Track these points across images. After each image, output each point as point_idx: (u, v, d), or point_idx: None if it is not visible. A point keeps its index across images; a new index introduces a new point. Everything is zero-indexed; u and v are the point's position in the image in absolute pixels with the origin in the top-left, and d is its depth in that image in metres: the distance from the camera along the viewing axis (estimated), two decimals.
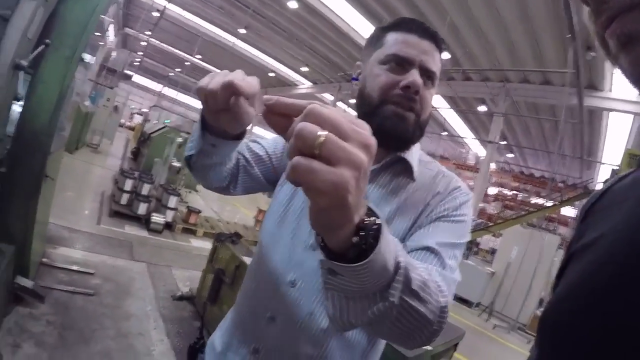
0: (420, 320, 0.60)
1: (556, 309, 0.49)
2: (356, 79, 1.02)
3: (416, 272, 0.58)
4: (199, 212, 6.93)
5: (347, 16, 14.39)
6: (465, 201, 0.94)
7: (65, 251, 4.10)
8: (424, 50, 0.93)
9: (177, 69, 31.76)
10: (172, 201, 6.37)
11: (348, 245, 0.47)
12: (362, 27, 14.96)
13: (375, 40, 0.98)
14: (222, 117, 0.73)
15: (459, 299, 10.09)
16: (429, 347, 2.35)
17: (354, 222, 0.45)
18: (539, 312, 9.71)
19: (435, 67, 0.94)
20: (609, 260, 0.44)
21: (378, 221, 0.48)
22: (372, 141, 0.43)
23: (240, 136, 0.88)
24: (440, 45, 0.96)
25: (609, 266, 0.43)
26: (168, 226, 6.28)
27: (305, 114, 0.41)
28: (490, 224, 12.77)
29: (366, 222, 0.47)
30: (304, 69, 22.36)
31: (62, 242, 4.30)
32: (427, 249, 0.82)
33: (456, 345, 3.31)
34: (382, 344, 0.99)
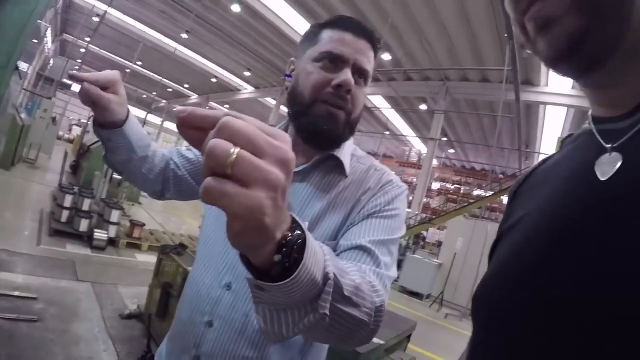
0: (356, 323, 0.62)
1: (487, 286, 0.51)
2: (289, 76, 1.01)
3: (348, 278, 0.59)
4: (143, 225, 6.69)
5: (290, 19, 14.39)
6: (397, 195, 0.95)
7: (5, 276, 3.84)
8: (359, 49, 0.93)
9: None
10: (115, 215, 6.09)
11: (271, 262, 0.45)
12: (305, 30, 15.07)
13: (311, 36, 0.98)
14: (96, 110, 0.86)
15: (410, 292, 10.38)
16: (381, 341, 2.41)
17: (274, 241, 0.42)
18: None
19: (369, 67, 0.95)
20: (534, 237, 0.47)
21: (302, 235, 0.46)
22: (291, 156, 0.39)
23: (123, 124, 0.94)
24: (375, 44, 0.97)
25: (535, 242, 0.46)
26: (111, 242, 5.99)
27: (217, 128, 0.37)
28: (434, 217, 13.20)
29: (289, 239, 0.45)
30: (247, 73, 22.18)
31: (1, 266, 4.04)
32: (360, 247, 0.82)
33: (409, 336, 3.42)
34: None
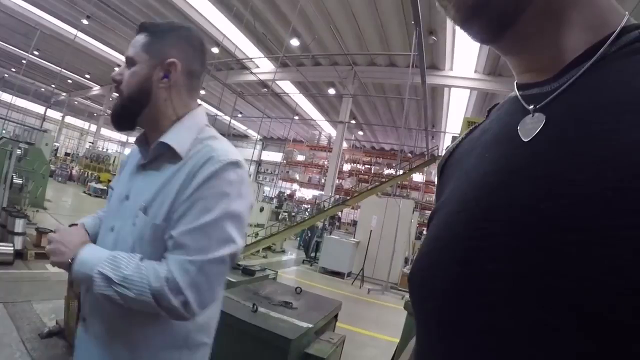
0: (136, 299, 0.93)
1: (419, 265, 0.49)
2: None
3: (119, 272, 0.94)
4: (51, 232, 6.17)
5: (198, 5, 13.94)
6: (214, 171, 1.00)
7: None
8: (131, 43, 1.13)
9: (12, 69, 26.91)
10: (19, 225, 5.57)
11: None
12: (215, 18, 14.59)
13: None
14: None
15: (331, 272, 10.63)
16: (310, 325, 2.50)
17: (66, 263, 1.02)
18: (406, 270, 10.74)
19: (131, 52, 1.11)
20: (463, 209, 0.45)
21: (72, 262, 1.00)
22: (49, 249, 1.08)
23: None
24: (144, 30, 1.13)
25: (463, 214, 0.44)
26: (19, 255, 5.47)
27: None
28: (348, 199, 13.60)
29: (69, 263, 1.00)
30: None
31: None
32: (173, 240, 0.98)
33: (336, 316, 3.58)
34: (162, 325, 1.09)
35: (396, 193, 14.35)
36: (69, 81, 29.01)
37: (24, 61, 23.06)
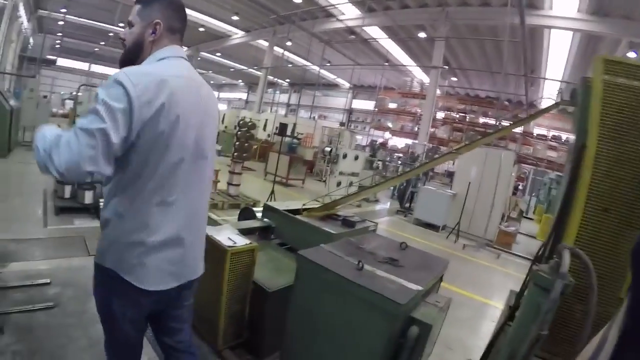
0: (36, 154, 1.31)
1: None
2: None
3: (44, 141, 1.31)
4: None
5: None
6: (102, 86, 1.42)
7: (16, 266, 3.68)
8: (131, 12, 1.62)
9: (101, 42, 29.24)
10: None
11: None
12: None
13: None
14: None
15: (425, 224, 10.31)
16: (420, 288, 2.22)
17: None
18: (503, 227, 10.01)
19: (130, 18, 1.60)
20: None
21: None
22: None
23: None
24: (138, 2, 1.61)
25: None
26: None
27: None
28: (460, 147, 12.83)
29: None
30: (235, 17, 21.20)
31: (10, 257, 3.85)
32: None
33: (441, 276, 3.28)
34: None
35: (494, 144, 13.35)
36: None
37: (110, 34, 24.42)
